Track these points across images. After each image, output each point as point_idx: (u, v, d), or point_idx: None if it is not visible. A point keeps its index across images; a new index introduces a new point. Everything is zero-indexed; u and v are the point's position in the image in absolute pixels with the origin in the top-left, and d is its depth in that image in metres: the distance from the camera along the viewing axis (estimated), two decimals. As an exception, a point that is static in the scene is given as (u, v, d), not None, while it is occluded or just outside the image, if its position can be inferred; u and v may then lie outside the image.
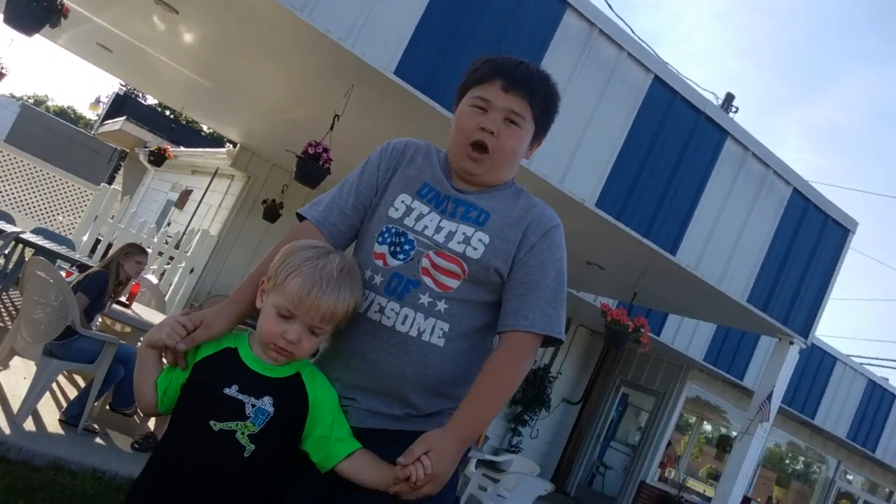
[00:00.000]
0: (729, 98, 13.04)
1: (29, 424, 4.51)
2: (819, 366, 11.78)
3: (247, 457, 1.63)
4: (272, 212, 10.05)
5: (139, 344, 1.67)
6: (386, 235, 1.81)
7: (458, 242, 1.77)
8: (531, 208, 1.85)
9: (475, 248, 1.77)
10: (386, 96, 5.50)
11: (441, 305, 1.74)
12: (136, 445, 4.96)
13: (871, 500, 15.38)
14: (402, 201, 1.83)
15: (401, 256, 1.77)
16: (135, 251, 5.24)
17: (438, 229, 1.79)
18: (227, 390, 1.64)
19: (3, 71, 6.58)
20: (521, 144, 1.84)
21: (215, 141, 19.39)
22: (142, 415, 5.10)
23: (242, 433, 1.63)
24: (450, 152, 1.89)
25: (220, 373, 1.67)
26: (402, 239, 1.79)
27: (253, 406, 1.64)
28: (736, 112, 13.08)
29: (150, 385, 1.71)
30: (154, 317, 6.09)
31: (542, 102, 1.84)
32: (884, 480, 15.10)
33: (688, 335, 10.72)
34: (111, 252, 5.27)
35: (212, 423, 1.62)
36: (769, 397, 7.05)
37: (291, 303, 1.64)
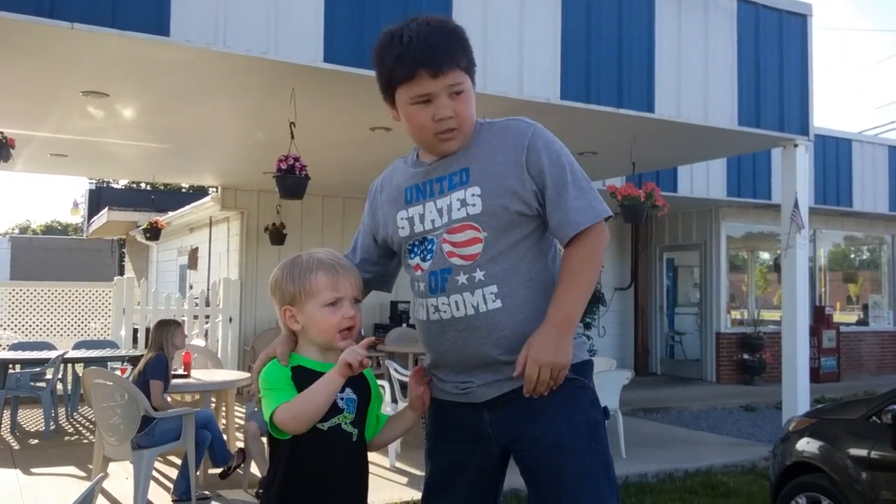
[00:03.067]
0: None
1: (149, 514, 4.75)
2: (836, 154, 11.76)
3: (355, 441, 1.91)
4: (277, 235, 10.22)
5: (326, 377, 1.83)
6: (412, 249, 1.99)
7: (458, 210, 1.90)
8: (502, 132, 1.93)
9: (474, 205, 1.88)
10: (328, 84, 5.57)
11: (479, 274, 1.87)
12: (261, 490, 5.19)
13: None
14: (402, 217, 1.99)
15: (429, 257, 1.93)
16: (172, 325, 5.42)
17: (440, 212, 1.92)
18: None
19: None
20: (472, 102, 1.90)
21: (199, 192, 19.52)
22: (242, 465, 5.32)
23: (346, 423, 1.89)
24: (422, 146, 1.99)
25: (305, 386, 1.85)
26: (425, 243, 1.95)
27: (342, 399, 1.88)
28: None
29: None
30: (214, 376, 6.33)
31: (464, 55, 1.87)
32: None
33: (703, 178, 10.77)
34: (150, 336, 5.47)
35: (319, 425, 1.84)
36: (796, 205, 7.11)
37: (333, 289, 1.87)
